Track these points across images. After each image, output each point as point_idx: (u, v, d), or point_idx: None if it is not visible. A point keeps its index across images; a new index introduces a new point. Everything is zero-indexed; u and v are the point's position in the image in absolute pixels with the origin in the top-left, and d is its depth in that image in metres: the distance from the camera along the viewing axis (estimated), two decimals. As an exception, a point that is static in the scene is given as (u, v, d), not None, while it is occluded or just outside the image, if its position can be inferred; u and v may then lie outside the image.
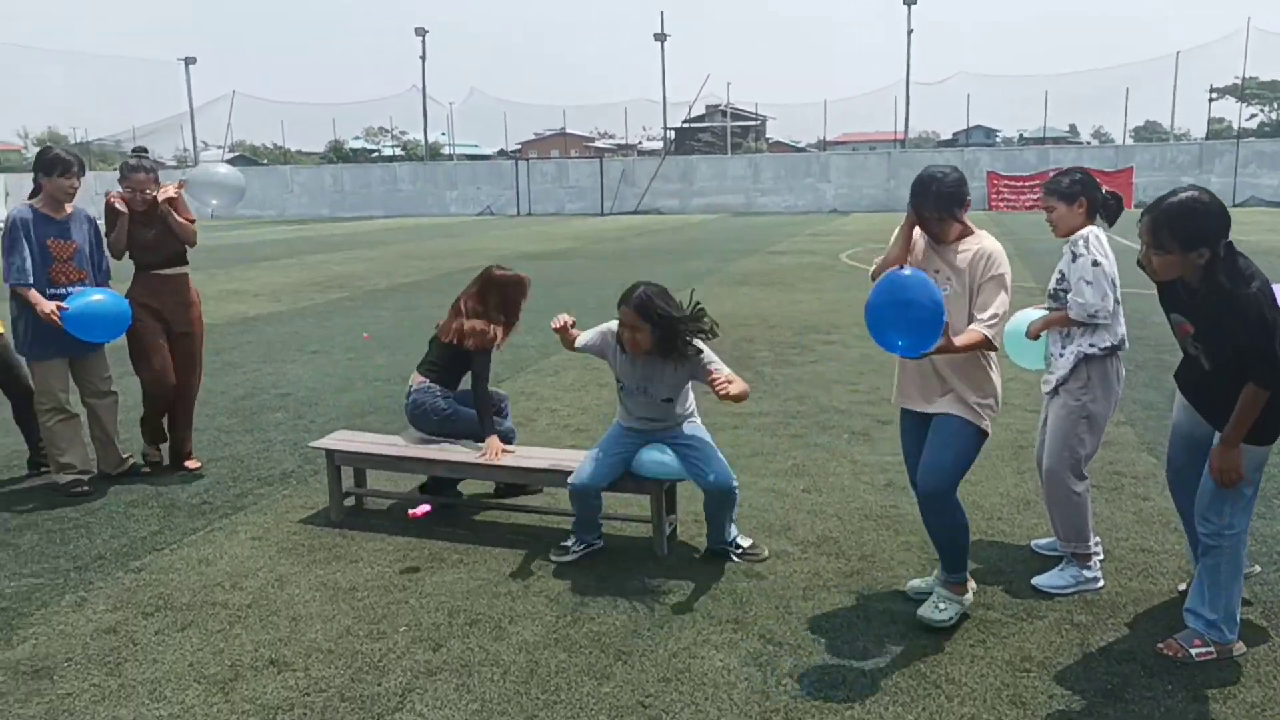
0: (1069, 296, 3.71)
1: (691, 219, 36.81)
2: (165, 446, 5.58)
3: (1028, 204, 37.22)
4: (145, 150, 5.27)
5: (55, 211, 5.04)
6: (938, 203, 3.40)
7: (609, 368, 4.29)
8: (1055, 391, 3.82)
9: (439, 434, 4.77)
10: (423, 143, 53.13)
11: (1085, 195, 3.80)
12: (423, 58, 49.49)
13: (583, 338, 4.23)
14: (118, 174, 5.34)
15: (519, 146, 66.02)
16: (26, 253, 4.89)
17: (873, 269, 3.64)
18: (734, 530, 4.25)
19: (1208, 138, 44.40)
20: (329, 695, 3.12)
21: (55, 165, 4.95)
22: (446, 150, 58.45)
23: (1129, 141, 46.91)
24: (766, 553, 4.18)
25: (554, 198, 44.81)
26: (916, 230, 3.51)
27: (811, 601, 3.75)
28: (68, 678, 3.26)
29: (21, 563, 4.22)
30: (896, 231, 3.58)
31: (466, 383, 4.86)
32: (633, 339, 4.01)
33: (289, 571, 4.10)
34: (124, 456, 5.42)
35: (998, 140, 59.17)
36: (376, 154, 64.27)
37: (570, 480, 4.15)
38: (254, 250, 23.70)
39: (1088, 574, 3.81)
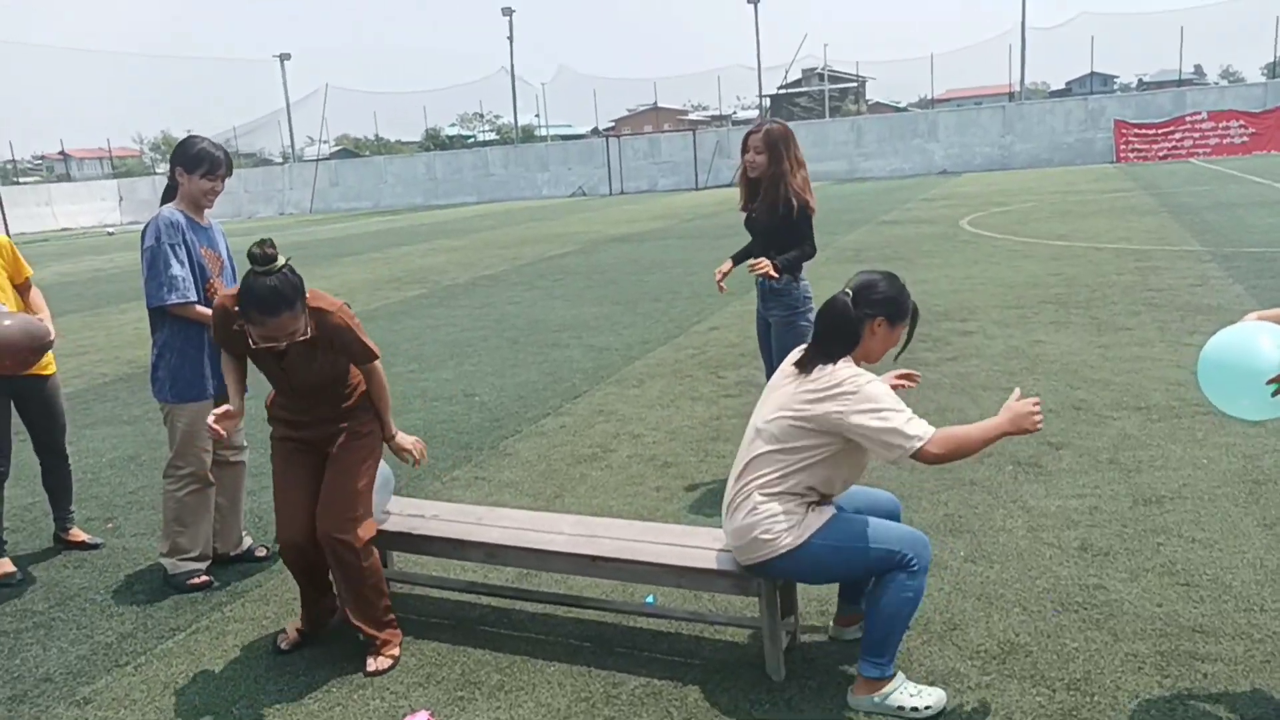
0: None
1: (791, 189, 34.92)
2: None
3: (1161, 154, 34.05)
4: (270, 244, 3.01)
5: (198, 217, 4.01)
6: None
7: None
8: None
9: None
10: (514, 126, 52.55)
11: None
12: (510, 38, 48.81)
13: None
14: (237, 306, 3.07)
15: (612, 124, 64.82)
16: (188, 263, 3.87)
17: None
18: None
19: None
20: None
21: (201, 161, 3.88)
22: (540, 132, 57.73)
23: (1260, 79, 42.43)
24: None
25: (646, 174, 43.51)
26: None
27: (1008, 775, 2.48)
28: None
29: (-48, 686, 3.30)
30: None
31: None
32: None
33: (274, 701, 3.06)
34: (243, 533, 4.35)
35: (1115, 87, 54.84)
36: (472, 139, 64.07)
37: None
38: (341, 245, 23.26)
39: None
